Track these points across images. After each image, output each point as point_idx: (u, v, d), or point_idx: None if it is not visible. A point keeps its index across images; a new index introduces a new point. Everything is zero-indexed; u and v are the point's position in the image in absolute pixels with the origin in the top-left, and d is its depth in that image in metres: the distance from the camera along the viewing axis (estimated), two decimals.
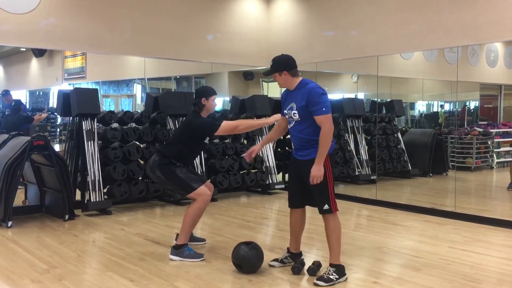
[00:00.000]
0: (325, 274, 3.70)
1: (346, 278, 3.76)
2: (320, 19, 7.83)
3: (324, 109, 3.65)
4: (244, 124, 4.53)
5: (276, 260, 4.12)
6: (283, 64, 3.82)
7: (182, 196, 4.61)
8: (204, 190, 4.33)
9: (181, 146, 4.39)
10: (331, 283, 3.65)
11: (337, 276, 3.69)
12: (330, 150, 3.76)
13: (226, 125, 4.30)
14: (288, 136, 9.12)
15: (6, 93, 9.10)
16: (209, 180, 6.25)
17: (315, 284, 3.65)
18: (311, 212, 4.08)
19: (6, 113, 8.55)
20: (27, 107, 15.32)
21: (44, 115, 9.91)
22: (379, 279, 3.82)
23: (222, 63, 8.29)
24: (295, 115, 3.77)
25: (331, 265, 3.75)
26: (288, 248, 4.13)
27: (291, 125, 3.86)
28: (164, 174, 4.32)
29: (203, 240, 4.85)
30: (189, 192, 4.30)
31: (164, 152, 4.43)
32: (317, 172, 3.65)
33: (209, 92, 4.46)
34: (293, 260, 4.04)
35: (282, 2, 8.42)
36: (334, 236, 3.76)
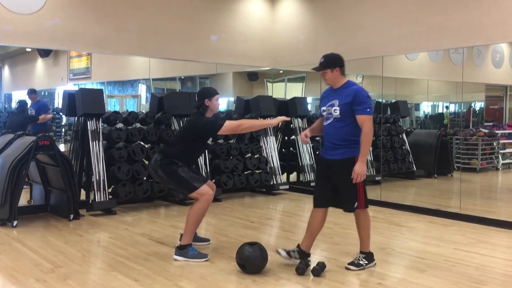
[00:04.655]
0: (356, 259, 4.03)
1: (375, 264, 4.07)
2: (324, 20, 7.82)
3: (368, 109, 3.84)
4: (247, 123, 4.52)
5: (284, 249, 4.15)
6: (337, 61, 3.97)
7: (185, 195, 4.61)
8: (207, 189, 4.33)
9: (183, 146, 4.39)
10: (361, 267, 3.99)
11: (366, 262, 4.03)
12: None
13: (229, 124, 4.29)
14: (292, 137, 9.07)
15: (32, 91, 9.04)
16: (212, 180, 6.25)
17: (347, 268, 3.98)
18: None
19: (13, 111, 8.53)
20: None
21: (49, 115, 9.89)
22: (383, 280, 3.81)
23: (227, 63, 8.30)
24: (335, 111, 3.89)
25: (361, 252, 4.06)
26: (298, 245, 4.14)
27: (328, 122, 3.96)
28: (166, 173, 4.32)
29: (207, 240, 4.85)
30: (191, 192, 4.30)
31: (167, 152, 4.43)
32: (360, 169, 3.80)
33: (211, 92, 4.47)
34: (300, 257, 4.05)
35: (287, 2, 8.42)
36: (365, 230, 4.05)
